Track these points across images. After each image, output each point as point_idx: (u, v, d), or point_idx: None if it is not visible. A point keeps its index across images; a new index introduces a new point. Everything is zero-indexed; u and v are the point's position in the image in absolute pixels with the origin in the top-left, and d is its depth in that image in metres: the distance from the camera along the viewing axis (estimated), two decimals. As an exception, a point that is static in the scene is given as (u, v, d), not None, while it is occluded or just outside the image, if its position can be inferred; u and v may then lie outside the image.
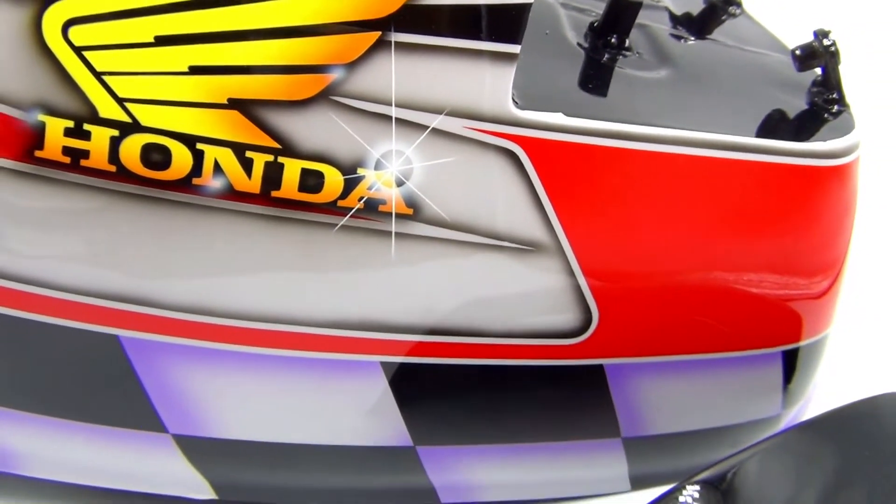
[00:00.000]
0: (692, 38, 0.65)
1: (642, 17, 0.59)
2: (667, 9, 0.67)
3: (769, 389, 0.60)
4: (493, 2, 0.43)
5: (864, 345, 0.78)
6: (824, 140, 0.54)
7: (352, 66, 0.43)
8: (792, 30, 0.72)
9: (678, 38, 0.65)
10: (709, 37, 0.65)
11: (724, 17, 0.67)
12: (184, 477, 0.53)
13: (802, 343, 0.59)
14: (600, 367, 0.54)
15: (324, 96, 0.43)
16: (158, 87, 0.42)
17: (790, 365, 0.60)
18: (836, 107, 0.57)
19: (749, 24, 0.68)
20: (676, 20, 0.67)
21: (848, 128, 0.56)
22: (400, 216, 0.47)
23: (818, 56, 0.57)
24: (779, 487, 0.48)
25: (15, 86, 0.42)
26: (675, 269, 0.54)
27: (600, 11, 0.58)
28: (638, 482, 0.59)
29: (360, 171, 0.45)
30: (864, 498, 0.48)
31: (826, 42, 0.56)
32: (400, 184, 0.46)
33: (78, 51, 0.41)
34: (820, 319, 0.60)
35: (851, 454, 0.50)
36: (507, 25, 0.44)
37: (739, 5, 0.67)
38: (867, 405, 0.52)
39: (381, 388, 0.52)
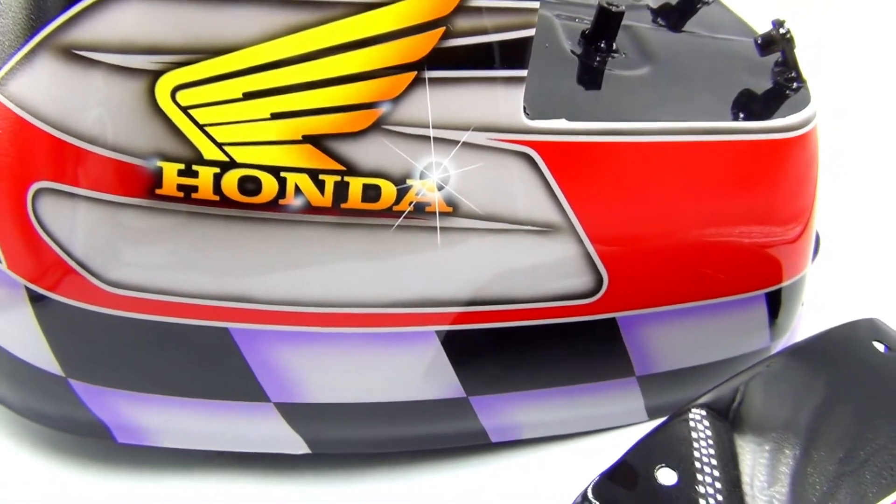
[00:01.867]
0: (672, 31, 0.68)
1: (626, 18, 0.64)
2: (647, 6, 0.70)
3: (758, 326, 0.65)
4: (502, 38, 0.48)
5: (838, 280, 0.80)
6: (784, 116, 0.59)
7: (396, 100, 0.49)
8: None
9: (660, 28, 0.68)
10: (685, 29, 0.68)
11: (699, 6, 0.70)
12: (284, 436, 0.58)
13: (784, 284, 0.64)
14: (613, 319, 0.59)
15: (376, 126, 0.49)
16: (248, 132, 0.48)
17: (775, 303, 0.65)
18: (795, 84, 0.63)
19: (720, 11, 0.73)
20: (657, 13, 0.70)
21: (805, 101, 0.61)
22: (442, 214, 0.53)
23: (776, 43, 0.63)
24: (776, 408, 0.51)
25: (137, 140, 0.48)
26: (670, 233, 0.59)
27: (589, 17, 0.63)
28: (654, 413, 0.64)
29: (409, 182, 0.51)
30: (851, 413, 0.51)
31: (782, 31, 0.61)
32: (440, 188, 0.51)
33: (184, 109, 0.47)
34: (797, 262, 0.65)
35: (836, 375, 0.53)
36: (515, 55, 0.49)
37: None
38: (846, 329, 0.56)
39: (436, 352, 0.57)
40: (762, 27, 0.66)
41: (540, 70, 0.54)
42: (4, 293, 0.52)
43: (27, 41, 0.47)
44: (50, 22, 0.46)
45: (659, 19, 0.69)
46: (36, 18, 0.47)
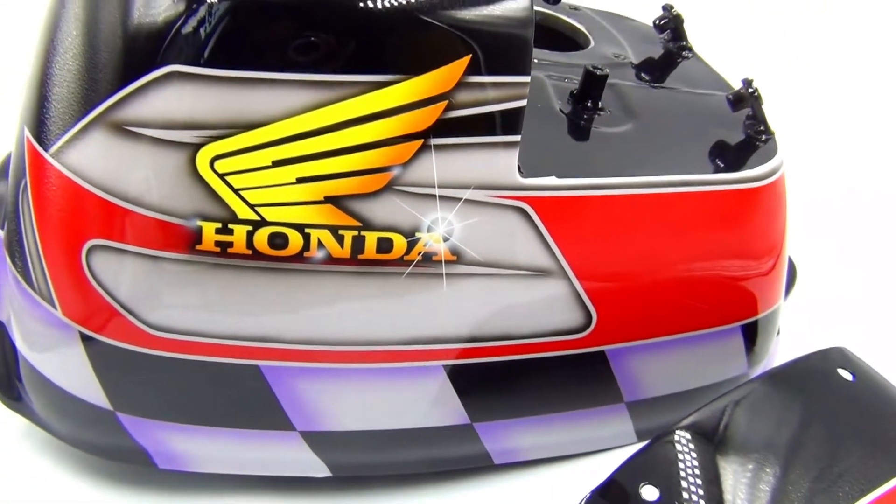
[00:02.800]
0: (654, 85, 0.70)
1: (611, 76, 0.67)
2: (630, 63, 0.73)
3: (736, 355, 0.67)
4: (497, 109, 0.52)
5: (813, 310, 0.82)
6: (754, 167, 0.63)
7: (405, 164, 0.52)
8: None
9: (643, 81, 0.71)
10: (666, 84, 0.71)
11: (678, 60, 0.74)
12: (308, 461, 0.61)
13: (759, 316, 0.67)
14: (602, 352, 0.62)
15: (388, 187, 0.52)
16: (277, 194, 0.51)
17: (751, 334, 0.67)
18: (764, 136, 0.66)
19: (698, 65, 0.76)
20: (640, 68, 0.72)
21: (773, 152, 0.65)
22: (448, 262, 0.56)
23: (746, 100, 0.66)
24: (756, 431, 0.53)
25: (180, 204, 0.51)
26: (652, 275, 0.61)
27: (577, 77, 0.65)
28: (642, 435, 0.66)
29: (418, 234, 0.54)
30: (823, 436, 0.52)
31: (751, 89, 0.65)
32: (446, 239, 0.54)
33: (221, 176, 0.51)
34: (770, 298, 0.68)
35: (809, 400, 0.55)
36: (510, 123, 0.53)
37: (690, 49, 0.75)
38: (817, 357, 0.57)
39: (443, 383, 0.60)
40: (736, 77, 0.69)
41: (533, 129, 0.57)
42: (59, 336, 0.55)
43: (82, 117, 0.51)
44: (103, 101, 0.50)
45: (643, 74, 0.72)
46: (90, 98, 0.50)
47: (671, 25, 0.76)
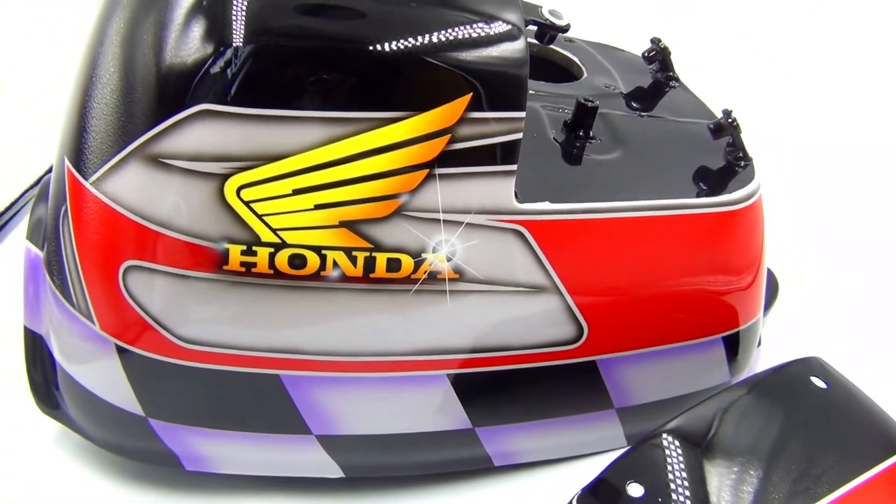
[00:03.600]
0: (643, 113, 0.72)
1: (602, 106, 0.67)
2: (620, 93, 0.74)
3: (719, 364, 0.68)
4: (496, 141, 0.54)
5: (794, 321, 0.84)
6: (734, 191, 0.64)
7: (413, 192, 0.54)
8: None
9: (634, 110, 0.72)
10: (653, 113, 0.72)
11: (666, 90, 0.75)
12: (323, 463, 0.62)
13: (740, 328, 0.68)
14: (593, 362, 0.63)
15: (397, 213, 0.54)
16: (296, 219, 0.53)
17: (733, 345, 0.68)
18: (743, 162, 0.67)
19: (684, 94, 0.77)
20: (630, 98, 0.74)
21: (751, 177, 0.66)
22: (451, 279, 0.57)
23: (725, 129, 0.67)
24: (737, 436, 0.53)
25: (209, 228, 0.53)
26: (639, 291, 0.63)
27: (570, 107, 0.67)
28: (631, 439, 0.67)
29: (424, 255, 0.55)
30: (802, 441, 0.53)
31: (730, 119, 0.67)
32: (449, 259, 0.56)
33: (247, 204, 0.53)
34: (749, 311, 0.69)
35: (788, 407, 0.56)
36: (507, 154, 0.55)
37: (677, 79, 0.76)
38: (794, 366, 0.59)
39: (447, 391, 0.61)
40: (719, 103, 0.71)
41: (529, 157, 0.58)
42: (96, 349, 0.57)
43: (120, 150, 0.53)
44: (139, 136, 0.52)
45: (633, 102, 0.73)
46: (128, 132, 0.53)
47: (659, 57, 0.77)
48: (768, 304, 0.84)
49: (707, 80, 0.84)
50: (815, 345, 0.66)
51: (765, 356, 0.74)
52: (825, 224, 1.01)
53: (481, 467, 0.66)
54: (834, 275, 0.93)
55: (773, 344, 0.78)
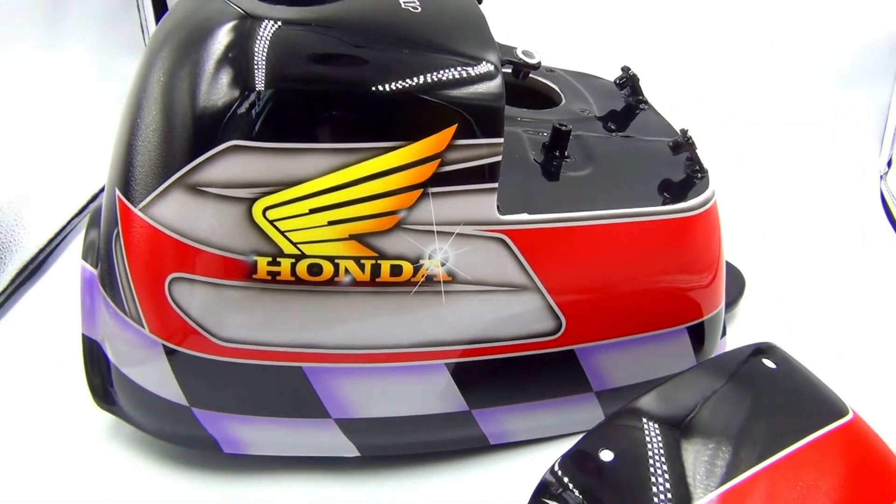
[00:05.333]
0: (617, 134, 0.74)
1: (578, 128, 0.72)
2: (595, 116, 0.77)
3: (686, 351, 0.71)
4: (479, 163, 0.57)
5: (758, 312, 0.87)
6: (692, 199, 0.68)
7: (410, 208, 0.57)
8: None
9: (610, 131, 0.75)
10: (626, 133, 0.75)
11: (637, 112, 0.79)
12: (341, 443, 0.65)
13: (704, 318, 0.71)
14: (572, 351, 0.66)
15: (398, 226, 0.57)
16: (313, 234, 0.57)
17: (698, 333, 0.71)
18: (699, 174, 0.70)
19: (653, 115, 0.79)
20: (606, 119, 0.76)
21: (706, 186, 0.69)
22: (445, 282, 0.60)
23: (683, 146, 0.70)
24: (693, 408, 0.55)
25: (240, 244, 0.57)
26: (610, 287, 0.66)
27: (548, 131, 0.69)
28: None
29: (421, 261, 0.59)
30: (752, 414, 0.54)
31: (686, 137, 0.71)
32: (443, 265, 0.59)
33: (271, 222, 0.56)
34: (711, 302, 0.72)
35: (741, 385, 0.57)
36: (489, 173, 0.58)
37: (647, 103, 0.80)
38: (747, 349, 0.60)
39: (446, 378, 0.64)
40: (682, 122, 0.76)
41: (511, 175, 0.62)
42: (147, 350, 0.61)
43: (164, 181, 0.57)
44: (180, 169, 0.56)
45: (609, 124, 0.76)
46: (169, 166, 0.56)
47: (629, 83, 0.81)
48: (736, 299, 0.88)
49: (671, 101, 0.88)
50: (778, 333, 0.67)
51: (732, 344, 0.74)
52: (783, 225, 1.05)
53: (479, 446, 0.69)
54: (792, 270, 0.96)
55: (741, 333, 0.81)
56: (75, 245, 0.97)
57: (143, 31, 1.22)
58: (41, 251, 0.94)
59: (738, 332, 0.82)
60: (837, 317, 0.88)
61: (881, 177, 1.13)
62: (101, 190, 0.96)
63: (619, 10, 1.21)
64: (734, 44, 1.22)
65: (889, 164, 1.13)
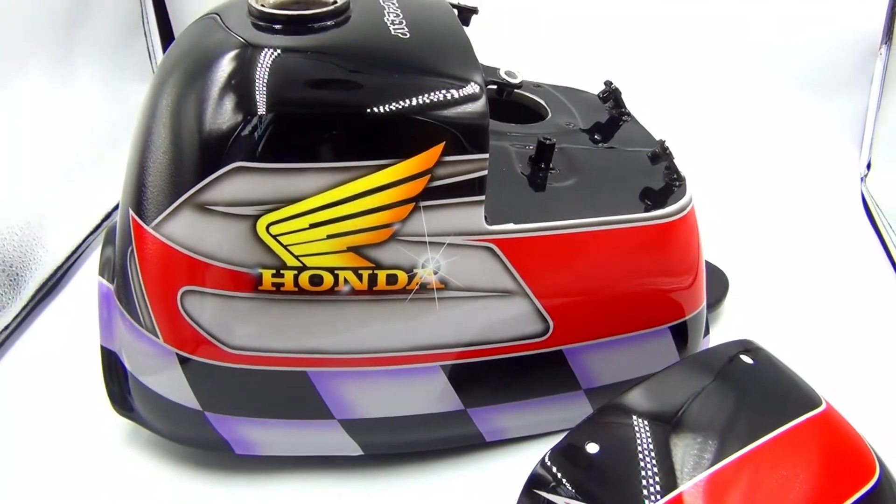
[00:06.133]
0: (602, 145, 0.76)
1: (563, 140, 0.73)
2: (579, 129, 0.78)
3: (669, 349, 0.72)
4: (466, 178, 0.59)
5: (741, 312, 0.88)
6: (670, 206, 0.68)
7: (403, 221, 0.58)
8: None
9: (595, 142, 0.76)
10: (610, 144, 0.76)
11: (620, 124, 0.80)
12: (345, 443, 0.66)
13: (686, 318, 0.72)
14: (560, 351, 0.67)
15: (392, 238, 0.59)
16: (314, 247, 0.58)
17: (681, 333, 0.72)
18: (677, 182, 0.71)
19: (635, 127, 0.80)
20: (591, 132, 0.78)
21: (683, 193, 0.70)
22: (438, 289, 0.61)
23: (661, 156, 0.72)
24: (675, 403, 0.56)
25: (246, 258, 0.58)
26: (595, 291, 0.67)
27: (534, 145, 0.70)
28: None
29: (415, 270, 0.60)
30: (729, 406, 0.56)
31: (664, 148, 0.72)
32: (436, 273, 0.60)
33: (275, 237, 0.58)
34: (693, 302, 0.73)
35: (721, 379, 0.58)
36: (477, 187, 0.59)
37: (629, 114, 0.82)
38: (726, 346, 0.62)
39: (442, 379, 0.65)
40: (661, 132, 0.78)
41: (498, 187, 0.63)
42: (162, 358, 0.63)
43: (174, 201, 0.59)
44: (188, 190, 0.58)
45: (596, 136, 0.77)
46: (179, 186, 0.58)
47: (612, 97, 0.82)
48: (720, 299, 0.90)
49: (654, 111, 0.89)
50: (760, 330, 0.68)
51: (716, 341, 0.72)
52: (767, 227, 1.07)
53: (475, 443, 0.70)
54: (776, 270, 0.97)
55: (725, 331, 0.82)
56: (90, 262, 1.00)
57: (150, 57, 1.24)
58: (59, 268, 0.97)
59: (722, 330, 0.83)
60: (818, 314, 0.90)
61: (861, 179, 1.15)
62: (114, 209, 1.03)
63: (601, 27, 1.23)
64: (714, 56, 1.24)
65: (868, 166, 1.16)
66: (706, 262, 0.78)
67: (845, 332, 0.87)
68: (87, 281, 0.95)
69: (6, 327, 0.87)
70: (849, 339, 0.86)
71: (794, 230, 1.04)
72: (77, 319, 0.88)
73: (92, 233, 1.03)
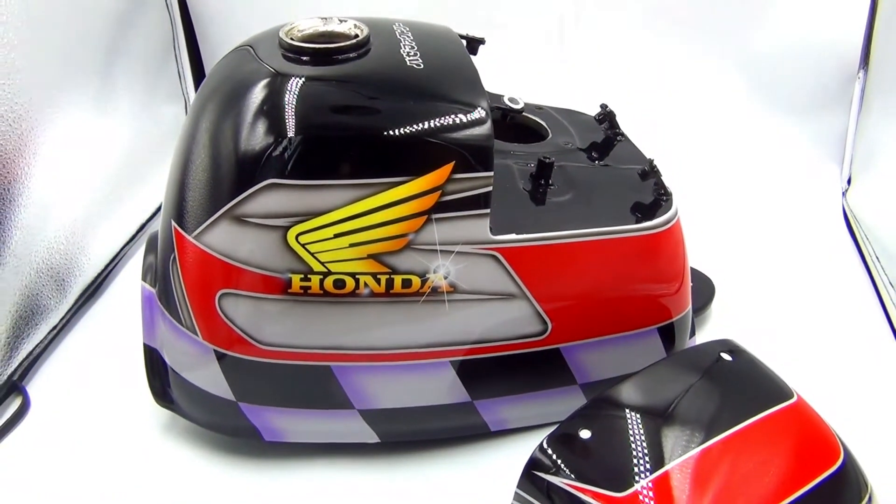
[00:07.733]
0: (597, 164, 0.77)
1: (561, 159, 0.75)
2: (577, 148, 0.80)
3: (657, 348, 0.74)
4: (473, 193, 0.61)
5: (726, 315, 0.90)
6: (658, 218, 0.71)
7: (417, 231, 0.61)
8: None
9: (592, 160, 0.78)
10: (605, 162, 0.78)
11: (615, 143, 0.82)
12: (363, 430, 0.69)
13: (673, 319, 0.74)
14: (557, 349, 0.69)
15: (407, 247, 0.61)
16: (338, 255, 0.61)
17: (669, 333, 0.74)
18: (665, 197, 0.74)
19: (628, 145, 0.82)
20: (589, 150, 0.79)
21: (670, 206, 0.73)
22: (448, 292, 0.64)
23: (650, 174, 0.74)
24: (660, 395, 0.58)
25: (277, 264, 0.61)
26: (590, 295, 0.69)
27: (535, 163, 0.72)
28: None
29: (428, 275, 0.63)
30: (709, 398, 0.58)
31: (653, 166, 0.75)
32: (446, 278, 0.63)
33: (303, 246, 0.61)
34: (679, 305, 0.75)
35: (702, 374, 0.60)
36: (482, 201, 0.62)
37: (623, 135, 0.84)
38: (711, 345, 0.63)
39: (451, 373, 0.68)
40: (651, 151, 0.81)
41: (502, 202, 0.65)
42: (201, 354, 0.66)
43: (213, 214, 0.62)
44: (226, 204, 0.61)
45: (593, 153, 0.79)
46: (217, 201, 0.62)
47: (607, 119, 0.84)
48: (707, 303, 0.94)
49: (646, 131, 0.92)
50: (744, 333, 0.69)
51: (701, 342, 0.75)
52: (751, 238, 1.08)
53: (480, 432, 0.73)
54: (759, 278, 0.99)
55: (711, 333, 0.86)
56: (128, 268, 1.04)
57: (180, 80, 1.28)
58: (100, 274, 1.00)
59: (709, 332, 0.87)
60: (796, 318, 0.92)
61: (843, 193, 1.18)
62: (149, 220, 1.07)
63: (599, 54, 1.25)
64: (704, 81, 1.26)
65: (849, 181, 1.19)
66: (696, 270, 0.80)
67: (818, 333, 0.89)
68: (125, 285, 1.00)
69: (54, 328, 0.90)
70: (820, 339, 0.88)
71: (779, 241, 1.06)
72: (116, 320, 0.92)
73: (129, 242, 1.07)
